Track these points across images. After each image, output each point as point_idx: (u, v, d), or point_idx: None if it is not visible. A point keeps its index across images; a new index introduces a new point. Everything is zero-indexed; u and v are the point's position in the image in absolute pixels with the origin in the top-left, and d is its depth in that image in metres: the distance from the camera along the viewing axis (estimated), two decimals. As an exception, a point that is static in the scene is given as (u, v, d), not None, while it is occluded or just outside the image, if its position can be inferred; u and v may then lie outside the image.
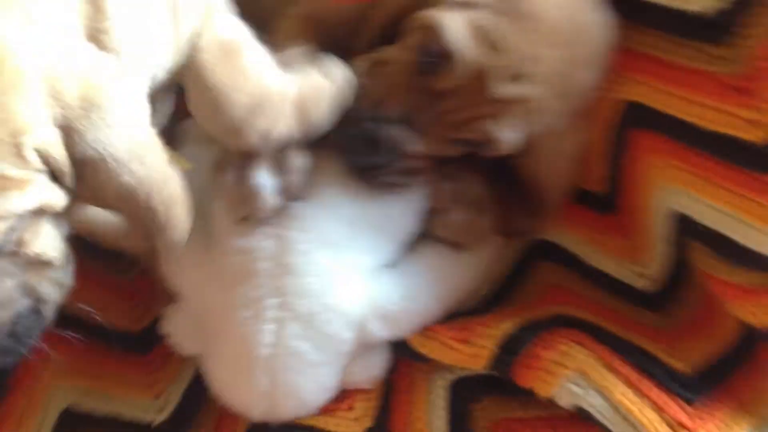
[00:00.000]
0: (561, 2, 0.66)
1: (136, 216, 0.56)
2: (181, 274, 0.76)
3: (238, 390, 0.74)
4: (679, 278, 0.74)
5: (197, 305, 0.75)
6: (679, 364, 0.68)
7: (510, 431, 0.72)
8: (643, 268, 0.76)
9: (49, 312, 0.56)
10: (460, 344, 0.72)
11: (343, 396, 0.76)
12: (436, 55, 0.65)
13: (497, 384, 0.73)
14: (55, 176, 0.51)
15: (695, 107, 0.65)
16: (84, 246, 0.66)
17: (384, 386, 0.77)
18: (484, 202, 0.78)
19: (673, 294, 0.74)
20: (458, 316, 0.77)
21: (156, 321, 0.81)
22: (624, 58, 0.71)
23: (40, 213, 0.51)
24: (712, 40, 0.63)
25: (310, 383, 0.73)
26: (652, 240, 0.74)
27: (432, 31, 0.66)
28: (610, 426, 0.64)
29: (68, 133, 0.50)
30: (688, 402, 0.65)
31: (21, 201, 0.49)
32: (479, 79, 0.64)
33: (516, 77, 0.64)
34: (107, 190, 0.52)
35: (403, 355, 0.77)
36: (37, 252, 0.52)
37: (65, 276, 0.57)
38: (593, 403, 0.65)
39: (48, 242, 0.53)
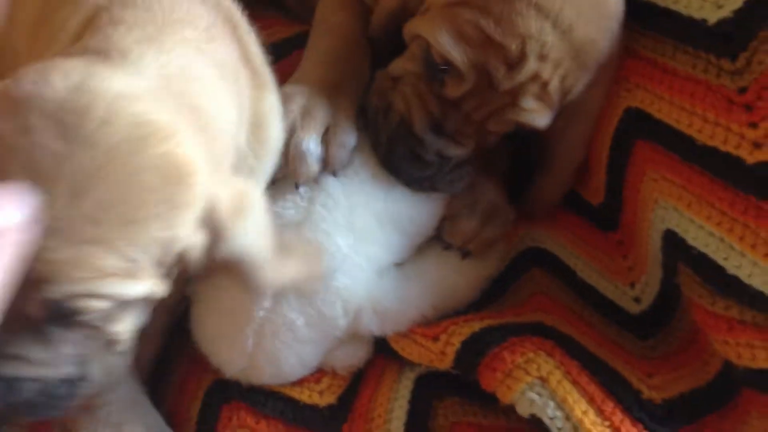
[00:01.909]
0: None
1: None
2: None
3: (222, 343, 0.75)
4: (668, 306, 0.69)
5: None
6: (651, 393, 0.64)
7: (467, 435, 0.70)
8: (640, 293, 0.73)
9: (82, 391, 0.55)
10: (429, 341, 0.70)
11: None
12: (439, 67, 0.66)
13: (464, 386, 0.72)
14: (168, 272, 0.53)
15: (696, 119, 0.61)
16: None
17: (355, 372, 0.77)
18: (496, 210, 0.78)
19: (661, 321, 0.70)
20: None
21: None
22: (628, 62, 0.68)
23: (139, 301, 0.52)
24: (722, 53, 0.59)
25: (293, 357, 0.74)
26: (648, 261, 0.70)
27: (426, 45, 0.67)
28: (564, 443, 0.61)
29: (215, 237, 0.53)
30: (652, 432, 0.61)
31: (134, 289, 0.49)
32: (484, 75, 0.64)
33: (515, 62, 0.62)
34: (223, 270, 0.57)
35: (380, 350, 0.77)
36: (114, 332, 0.52)
37: (117, 365, 0.58)
38: (551, 416, 0.62)
39: (127, 327, 0.54)
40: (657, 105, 0.65)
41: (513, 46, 0.62)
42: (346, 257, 0.71)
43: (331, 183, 0.71)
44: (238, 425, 0.74)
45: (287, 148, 0.69)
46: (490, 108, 0.67)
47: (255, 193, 0.57)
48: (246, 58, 0.64)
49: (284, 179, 0.71)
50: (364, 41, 0.78)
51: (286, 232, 0.70)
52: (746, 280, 0.58)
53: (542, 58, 0.62)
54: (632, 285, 0.73)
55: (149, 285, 0.50)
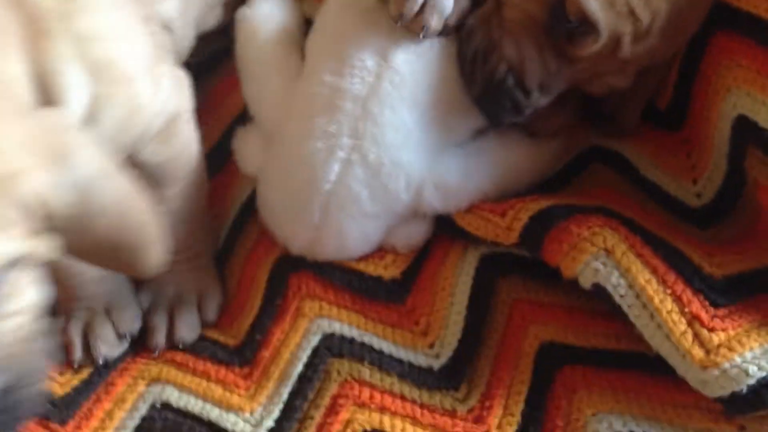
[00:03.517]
0: None
1: (114, 258, 0.56)
2: (261, 96, 0.82)
3: (288, 218, 0.79)
4: (729, 200, 0.72)
5: (272, 128, 0.81)
6: (712, 269, 0.66)
7: (528, 312, 0.72)
8: (702, 189, 0.75)
9: (24, 397, 0.50)
10: (497, 216, 0.74)
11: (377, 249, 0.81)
12: (571, 22, 0.66)
13: (526, 266, 0.75)
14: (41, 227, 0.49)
15: (774, 4, 0.64)
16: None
17: (419, 250, 0.80)
18: (567, 96, 0.78)
19: (721, 214, 0.73)
20: (505, 201, 0.78)
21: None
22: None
23: (23, 264, 0.48)
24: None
25: (356, 230, 0.77)
26: (713, 152, 0.73)
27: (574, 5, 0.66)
28: (626, 309, 0.64)
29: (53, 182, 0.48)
30: (713, 304, 0.63)
31: (5, 245, 0.46)
32: (613, 41, 0.66)
33: (641, 36, 0.66)
34: (85, 235, 0.52)
35: (443, 230, 0.80)
36: (18, 307, 0.49)
37: (42, 354, 0.52)
38: (614, 284, 0.64)
39: (29, 301, 0.50)
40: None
41: (646, 20, 0.65)
42: (411, 132, 0.74)
43: (400, 60, 0.73)
44: (306, 293, 0.77)
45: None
46: (599, 71, 0.69)
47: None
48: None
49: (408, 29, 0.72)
50: None
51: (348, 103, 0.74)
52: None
53: (658, 36, 0.65)
54: (694, 181, 0.76)
55: (18, 240, 0.46)
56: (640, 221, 0.71)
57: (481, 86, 0.72)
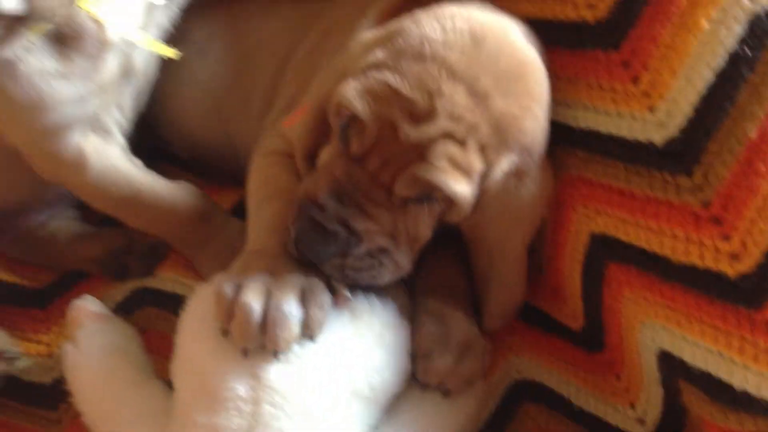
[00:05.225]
0: (459, 39, 0.63)
1: None
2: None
3: None
4: (676, 422, 0.67)
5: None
6: None
7: None
8: (642, 414, 0.70)
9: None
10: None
11: None
12: (345, 123, 0.65)
13: None
14: None
15: (666, 239, 0.61)
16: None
17: None
18: (470, 342, 0.73)
19: (673, 438, 0.68)
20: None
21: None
22: (582, 189, 0.69)
23: None
24: (676, 170, 0.60)
25: None
26: (644, 380, 0.68)
27: (337, 104, 0.65)
28: None
29: None
30: None
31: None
32: (388, 127, 0.63)
33: (422, 116, 0.62)
34: None
35: None
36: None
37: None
38: None
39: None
40: (623, 229, 0.65)
41: (421, 100, 0.61)
42: None
43: (272, 375, 0.65)
44: None
45: (264, 314, 0.64)
46: (397, 165, 0.64)
47: None
48: None
49: (258, 351, 0.65)
50: None
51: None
52: (756, 393, 0.57)
53: (454, 118, 0.61)
54: (632, 406, 0.71)
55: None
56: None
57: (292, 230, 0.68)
